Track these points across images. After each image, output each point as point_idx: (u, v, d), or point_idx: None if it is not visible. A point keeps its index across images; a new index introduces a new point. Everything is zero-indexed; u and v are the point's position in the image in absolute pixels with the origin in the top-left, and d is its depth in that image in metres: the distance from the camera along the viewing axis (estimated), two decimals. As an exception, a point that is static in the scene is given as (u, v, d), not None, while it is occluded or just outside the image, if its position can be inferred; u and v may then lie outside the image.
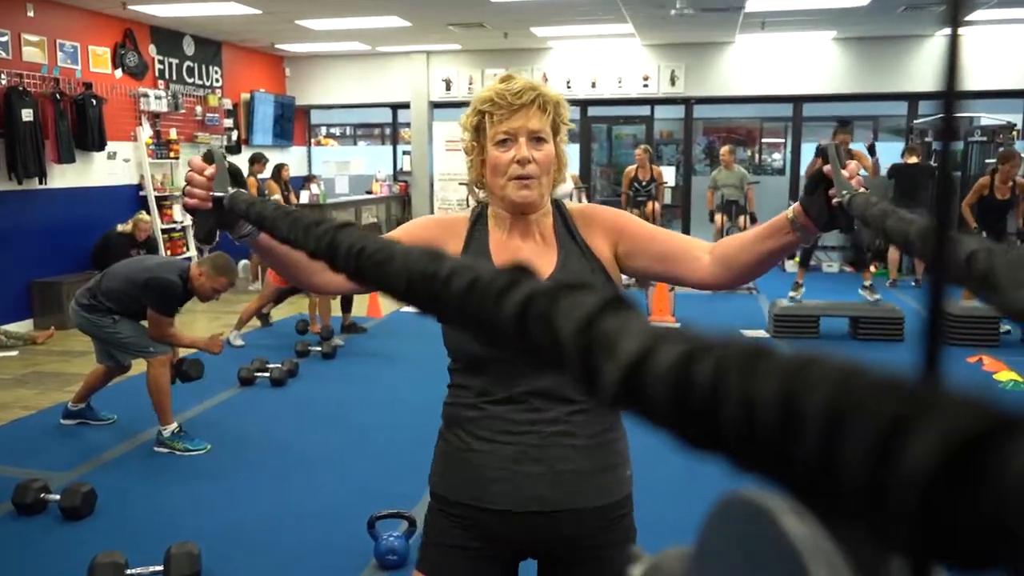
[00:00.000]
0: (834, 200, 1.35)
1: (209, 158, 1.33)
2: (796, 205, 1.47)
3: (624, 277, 1.69)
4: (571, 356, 0.35)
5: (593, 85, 11.75)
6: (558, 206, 1.69)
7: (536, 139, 1.58)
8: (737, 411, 0.26)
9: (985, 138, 9.68)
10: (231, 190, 1.25)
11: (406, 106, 12.49)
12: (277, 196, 10.42)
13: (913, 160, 9.19)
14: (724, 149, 10.75)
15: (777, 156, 16.59)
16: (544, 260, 1.63)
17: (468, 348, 1.58)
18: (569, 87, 11.75)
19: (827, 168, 1.38)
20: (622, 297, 0.36)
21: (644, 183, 10.31)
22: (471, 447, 1.60)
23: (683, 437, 0.29)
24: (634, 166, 10.55)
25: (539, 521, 1.57)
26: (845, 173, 1.37)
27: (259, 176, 10.20)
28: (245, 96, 11.67)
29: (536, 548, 1.61)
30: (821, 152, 1.67)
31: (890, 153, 11.18)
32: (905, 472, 0.22)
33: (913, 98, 11.27)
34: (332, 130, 18.29)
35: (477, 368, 1.59)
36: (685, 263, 1.61)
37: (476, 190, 1.69)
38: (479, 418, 1.59)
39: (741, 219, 10.23)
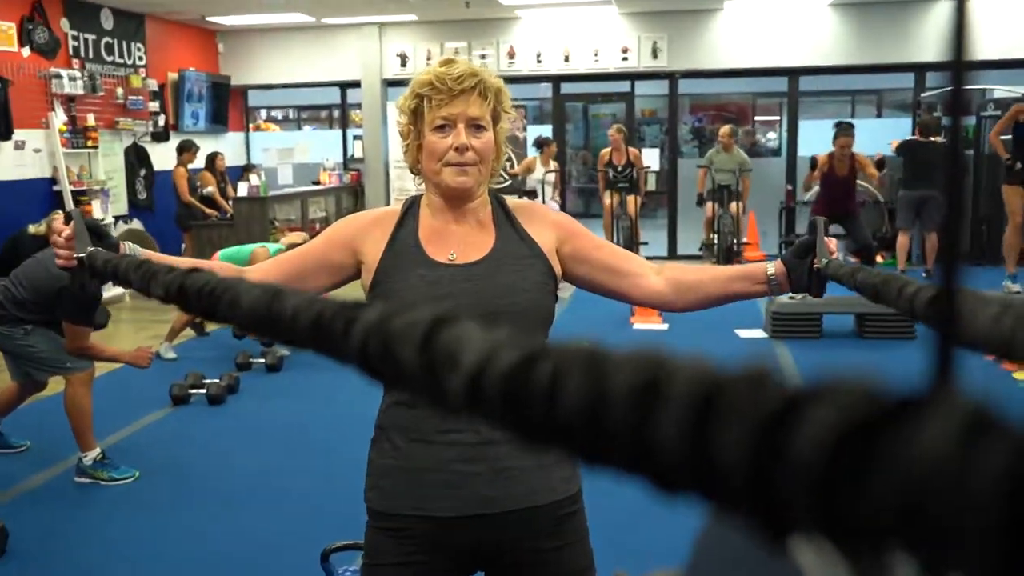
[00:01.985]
0: (815, 266, 1.67)
1: (67, 219, 1.52)
2: (778, 263, 1.72)
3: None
4: (417, 376, 0.41)
5: (566, 59, 11.79)
6: (497, 198, 1.81)
7: (475, 126, 1.70)
8: (585, 409, 0.30)
9: (999, 112, 9.84)
10: (90, 249, 1.48)
11: (357, 85, 12.44)
12: (212, 188, 10.34)
13: (927, 137, 9.33)
14: (724, 129, 10.80)
15: (772, 135, 16.79)
16: (479, 241, 1.74)
17: None
18: (540, 61, 11.78)
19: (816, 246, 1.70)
20: (451, 311, 0.42)
21: (620, 168, 10.36)
22: (405, 452, 1.68)
23: (529, 438, 0.33)
24: (608, 148, 10.60)
25: (485, 524, 1.66)
26: (829, 246, 1.67)
27: (189, 167, 10.10)
28: (173, 76, 11.56)
29: (485, 555, 1.70)
30: (811, 224, 2.05)
31: (897, 130, 11.35)
32: (793, 462, 0.24)
33: (920, 69, 11.43)
34: (273, 113, 18.18)
35: None
36: (631, 278, 1.77)
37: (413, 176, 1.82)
38: (412, 419, 1.68)
39: (733, 206, 10.31)
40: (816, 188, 9.12)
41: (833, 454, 0.23)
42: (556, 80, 12.23)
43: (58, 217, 1.59)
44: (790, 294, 8.58)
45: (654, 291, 1.77)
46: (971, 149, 10.59)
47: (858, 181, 8.70)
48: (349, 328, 0.48)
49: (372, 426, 1.77)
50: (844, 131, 8.31)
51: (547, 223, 1.80)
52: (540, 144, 10.71)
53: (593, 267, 1.78)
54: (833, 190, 8.33)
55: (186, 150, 10.09)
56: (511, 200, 1.83)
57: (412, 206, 1.80)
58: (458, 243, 1.75)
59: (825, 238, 1.68)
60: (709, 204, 10.55)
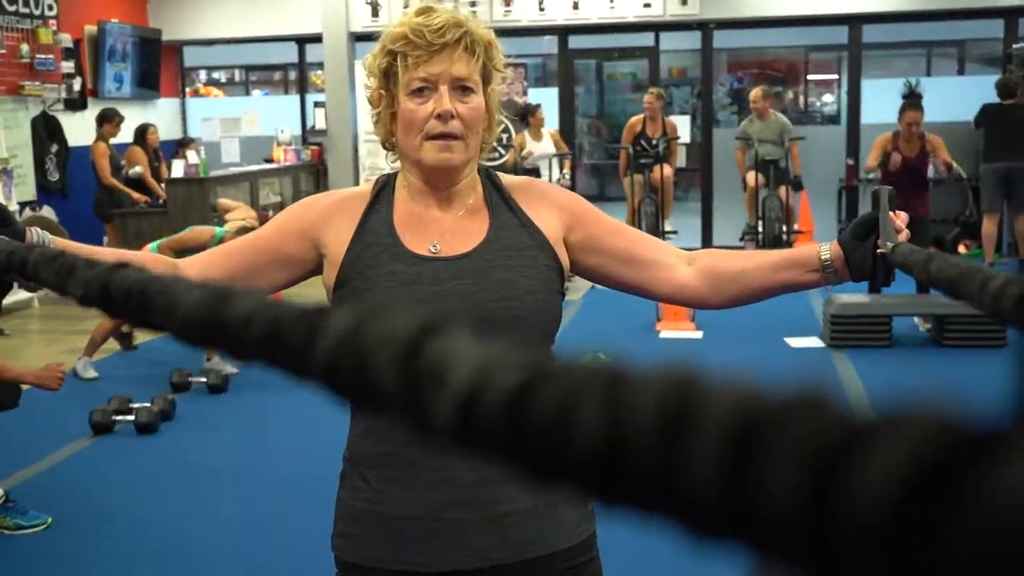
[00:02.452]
0: (879, 250, 1.65)
1: None
2: (834, 244, 1.70)
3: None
4: (397, 398, 0.41)
5: (575, 6, 11.79)
6: (489, 175, 1.81)
7: (461, 88, 1.70)
8: (601, 442, 0.31)
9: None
10: None
11: (317, 39, 12.42)
12: (141, 168, 10.33)
13: (1008, 99, 9.35)
14: (755, 92, 10.84)
15: (829, 98, 16.83)
16: (468, 229, 1.74)
17: None
18: (543, 9, 11.78)
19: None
20: (441, 316, 0.42)
21: (655, 141, 10.35)
22: (382, 493, 1.67)
23: (533, 475, 0.34)
24: (640, 116, 10.58)
25: None
26: (896, 223, 1.65)
27: (112, 141, 10.09)
28: (91, 29, 11.55)
29: None
30: (874, 196, 2.04)
31: (982, 90, 11.33)
32: (855, 511, 0.24)
33: (1011, 14, 11.44)
34: (215, 75, 18.16)
35: None
36: (655, 269, 1.77)
37: (385, 151, 1.83)
38: (389, 453, 1.67)
39: (782, 189, 10.27)
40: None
41: (904, 500, 0.23)
42: (562, 32, 12.23)
43: None
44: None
45: (684, 284, 1.76)
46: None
47: (940, 156, 8.66)
48: (313, 338, 0.48)
49: (339, 459, 1.77)
50: (912, 104, 8.29)
51: (551, 204, 1.79)
52: (523, 114, 10.61)
53: (609, 257, 1.77)
54: (898, 178, 8.28)
55: (108, 121, 10.09)
56: (506, 178, 1.83)
57: (385, 187, 1.80)
58: (442, 232, 1.74)
59: (891, 213, 1.66)
60: (752, 176, 10.52)
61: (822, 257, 1.69)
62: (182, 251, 6.55)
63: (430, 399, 0.38)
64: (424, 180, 1.75)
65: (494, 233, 1.74)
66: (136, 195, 10.13)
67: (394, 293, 1.68)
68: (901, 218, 1.66)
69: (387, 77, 1.72)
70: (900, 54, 16.35)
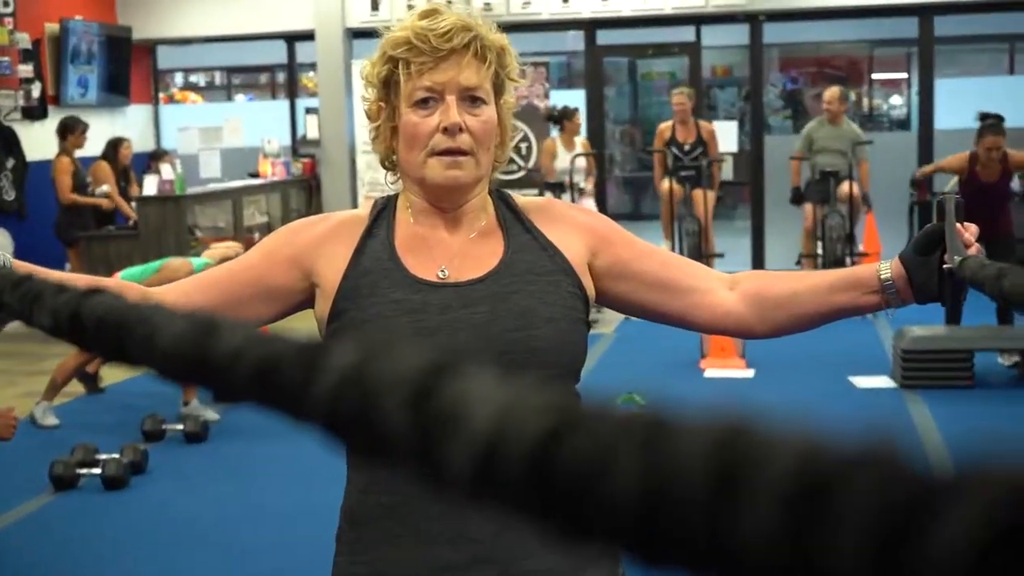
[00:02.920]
0: (945, 266, 1.64)
1: None
2: (895, 262, 1.71)
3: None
4: (406, 443, 0.41)
5: (604, -4, 11.82)
6: (501, 195, 1.84)
7: (470, 99, 1.72)
8: (640, 499, 0.31)
9: None
10: None
11: (309, 37, 12.48)
12: (108, 187, 10.35)
13: None
14: (831, 92, 10.60)
15: (897, 101, 16.81)
16: (480, 252, 1.76)
17: None
18: (566, 2, 11.81)
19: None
20: (455, 352, 0.43)
21: (688, 147, 10.34)
22: (388, 555, 1.68)
23: (562, 533, 0.35)
24: (669, 122, 10.58)
25: None
26: (964, 236, 1.65)
27: (77, 154, 10.13)
28: (52, 28, 11.62)
29: None
30: (939, 206, 2.01)
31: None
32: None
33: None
34: (192, 79, 18.24)
35: None
36: (693, 295, 1.78)
37: (386, 170, 1.84)
38: (396, 507, 1.67)
39: (842, 207, 10.16)
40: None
41: (982, 569, 0.23)
42: (590, 27, 12.26)
43: None
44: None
45: (726, 311, 1.77)
46: None
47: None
48: (312, 376, 0.48)
49: (335, 518, 1.76)
50: (993, 128, 8.28)
51: (573, 226, 1.81)
52: (556, 118, 10.61)
53: (640, 283, 1.79)
54: (977, 203, 8.22)
55: (71, 131, 10.12)
56: (521, 198, 1.85)
57: (385, 209, 1.82)
58: (451, 256, 1.76)
59: (959, 225, 1.66)
60: (808, 207, 10.46)
61: (882, 276, 1.70)
62: None
63: (445, 447, 0.38)
64: (429, 200, 1.78)
65: (511, 256, 1.75)
66: (106, 203, 10.13)
67: (398, 323, 1.68)
68: (971, 230, 1.67)
69: (387, 87, 1.75)
70: (978, 49, 16.33)
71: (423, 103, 1.70)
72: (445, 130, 1.69)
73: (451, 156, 1.71)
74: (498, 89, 1.76)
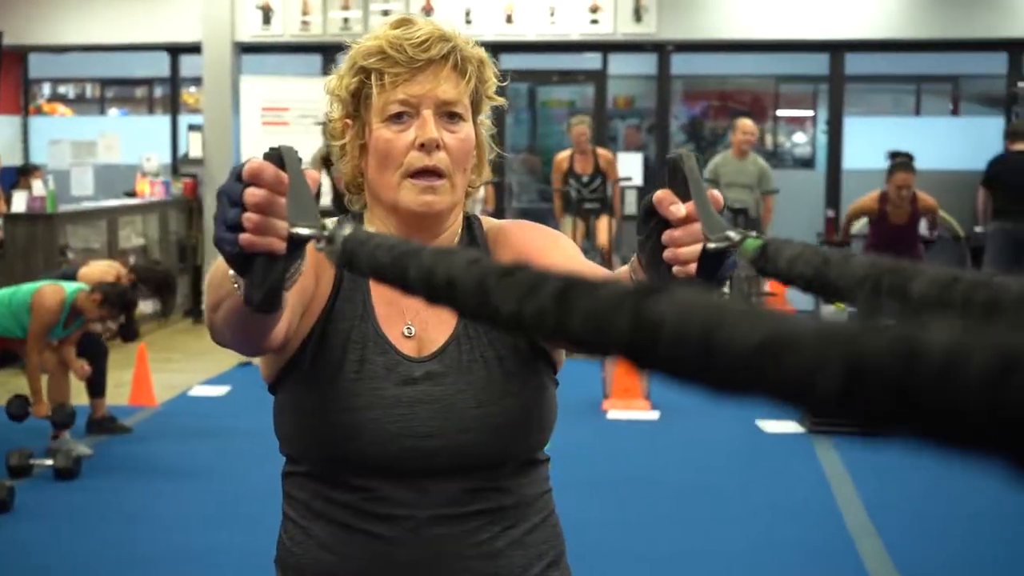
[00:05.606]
0: (708, 245, 1.25)
1: (278, 159, 1.23)
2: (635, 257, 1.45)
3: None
4: (753, 375, 0.54)
5: (509, 20, 11.89)
6: (470, 223, 1.83)
7: (448, 114, 1.69)
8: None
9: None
10: (347, 227, 1.07)
11: (195, 49, 12.41)
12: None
13: (1017, 146, 9.55)
14: (742, 124, 10.70)
15: (802, 138, 17.13)
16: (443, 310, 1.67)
17: (329, 451, 1.70)
18: (469, 22, 11.83)
19: (659, 195, 1.32)
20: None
21: (585, 178, 10.44)
22: (329, 547, 1.71)
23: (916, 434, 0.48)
24: (568, 152, 10.67)
25: None
26: (713, 198, 1.27)
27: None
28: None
29: None
30: (672, 165, 1.32)
31: (980, 134, 11.59)
32: None
33: (1015, 47, 11.77)
34: (63, 90, 18.00)
35: (345, 473, 1.70)
36: None
37: (349, 195, 1.80)
38: (355, 502, 1.70)
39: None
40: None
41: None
42: (494, 50, 12.27)
43: (253, 167, 1.25)
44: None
45: None
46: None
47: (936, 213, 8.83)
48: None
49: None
50: (904, 166, 8.50)
51: (510, 251, 1.77)
52: None
53: None
54: (887, 246, 8.36)
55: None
56: (488, 221, 1.85)
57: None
58: (416, 309, 1.72)
59: (712, 192, 1.28)
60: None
61: (631, 272, 1.46)
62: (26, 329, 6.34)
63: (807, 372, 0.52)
64: (401, 230, 1.71)
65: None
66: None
67: (362, 388, 1.66)
68: (714, 196, 1.28)
69: (357, 100, 1.71)
70: (884, 89, 16.75)
71: (397, 118, 1.67)
72: (421, 146, 1.65)
73: (426, 179, 1.67)
74: (476, 106, 1.75)
